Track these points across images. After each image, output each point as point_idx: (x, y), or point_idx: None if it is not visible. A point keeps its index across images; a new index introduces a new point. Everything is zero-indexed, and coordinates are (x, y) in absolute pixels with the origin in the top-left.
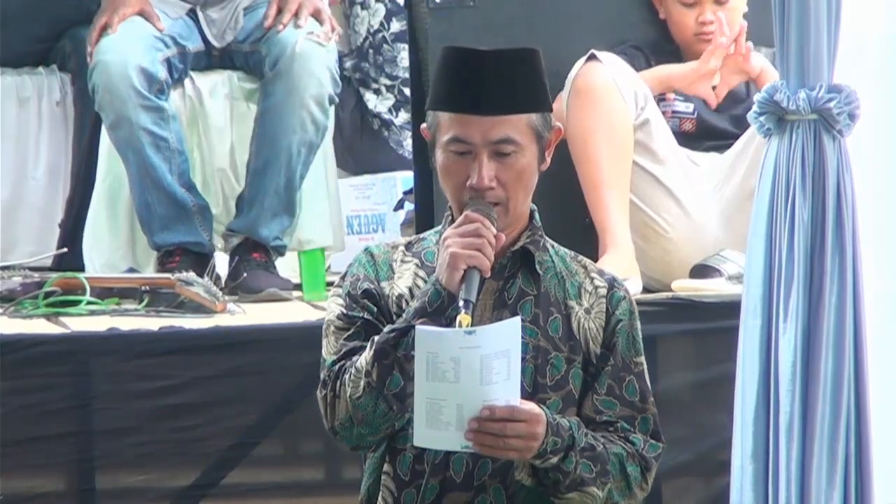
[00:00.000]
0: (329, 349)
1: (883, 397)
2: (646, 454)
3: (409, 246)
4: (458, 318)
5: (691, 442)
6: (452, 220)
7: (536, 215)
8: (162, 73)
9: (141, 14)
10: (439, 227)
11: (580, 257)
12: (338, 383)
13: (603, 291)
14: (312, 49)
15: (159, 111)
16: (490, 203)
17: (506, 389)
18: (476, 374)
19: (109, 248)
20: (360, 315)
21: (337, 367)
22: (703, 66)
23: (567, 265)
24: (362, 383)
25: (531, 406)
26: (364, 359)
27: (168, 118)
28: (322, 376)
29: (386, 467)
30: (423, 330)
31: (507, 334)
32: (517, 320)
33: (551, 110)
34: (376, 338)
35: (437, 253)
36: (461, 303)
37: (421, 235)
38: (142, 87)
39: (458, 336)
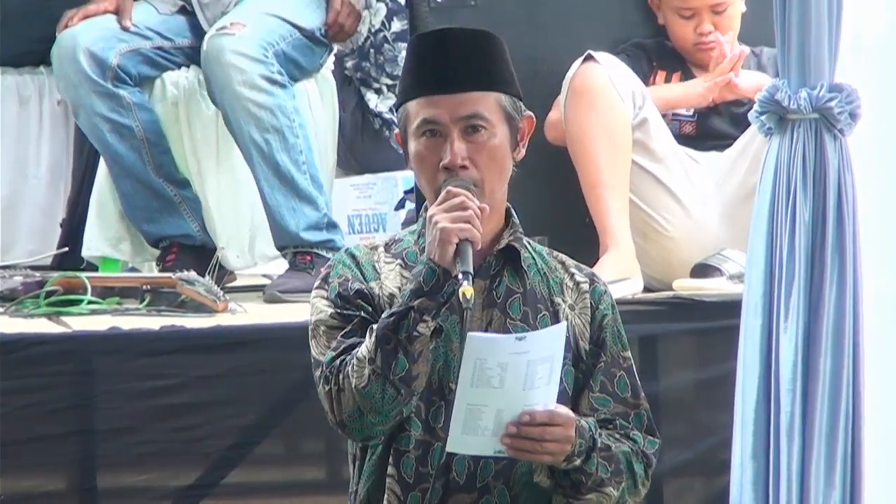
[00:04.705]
0: (321, 348)
1: (883, 397)
2: (647, 451)
3: (387, 247)
4: (461, 290)
5: (692, 442)
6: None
7: (514, 213)
8: (114, 60)
9: (115, 11)
10: (415, 227)
11: (555, 253)
12: (340, 376)
13: (585, 287)
14: (219, 42)
15: (115, 98)
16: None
17: (545, 394)
18: (520, 379)
19: (104, 238)
20: (356, 314)
21: (337, 362)
22: (706, 94)
23: (546, 262)
24: (367, 371)
25: (566, 410)
26: (365, 348)
27: (129, 106)
28: (320, 374)
29: (390, 470)
30: (475, 337)
31: (553, 339)
32: (563, 326)
33: (521, 98)
34: (374, 326)
35: (418, 253)
36: (460, 275)
37: (397, 237)
38: (92, 71)
39: (510, 342)
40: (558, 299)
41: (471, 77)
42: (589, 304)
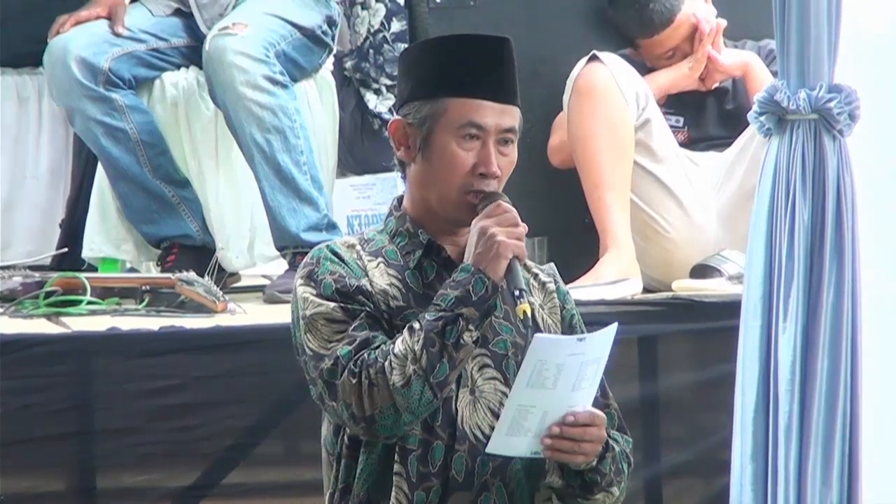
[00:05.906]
0: (320, 342)
1: (880, 398)
2: (626, 450)
3: (363, 246)
4: (520, 308)
5: (691, 442)
6: (408, 218)
7: None
8: (105, 64)
9: (108, 16)
10: (381, 227)
11: None
12: (371, 371)
13: (551, 287)
14: (222, 43)
15: (108, 101)
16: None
17: (586, 395)
18: (571, 380)
19: (104, 238)
20: (361, 308)
21: (365, 354)
22: (692, 74)
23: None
24: (409, 371)
25: (599, 411)
26: (405, 346)
27: (122, 109)
28: (334, 366)
29: (397, 468)
30: (542, 338)
31: (606, 341)
32: (615, 327)
33: None
34: (415, 325)
35: (397, 252)
36: (517, 293)
37: (366, 236)
38: (83, 77)
39: (571, 343)
40: (530, 298)
41: (515, 91)
42: (557, 304)
